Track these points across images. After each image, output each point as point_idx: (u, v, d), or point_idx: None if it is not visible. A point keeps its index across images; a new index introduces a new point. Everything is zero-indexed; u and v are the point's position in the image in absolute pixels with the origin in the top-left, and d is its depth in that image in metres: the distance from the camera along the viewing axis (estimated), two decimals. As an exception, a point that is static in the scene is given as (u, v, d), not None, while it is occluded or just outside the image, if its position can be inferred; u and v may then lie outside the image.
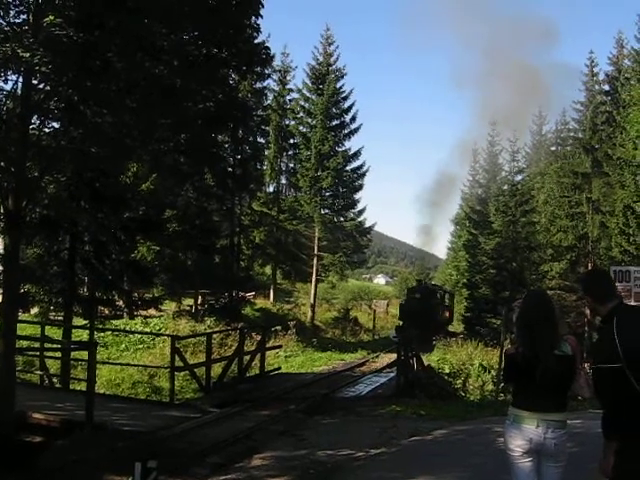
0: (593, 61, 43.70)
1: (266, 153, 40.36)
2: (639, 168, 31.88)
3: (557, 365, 4.26)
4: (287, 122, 42.95)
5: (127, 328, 24.10)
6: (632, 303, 4.35)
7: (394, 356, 20.33)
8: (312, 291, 40.87)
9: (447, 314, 43.61)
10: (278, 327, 28.53)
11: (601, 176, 38.34)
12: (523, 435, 4.32)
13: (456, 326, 47.38)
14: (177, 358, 14.21)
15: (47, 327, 16.42)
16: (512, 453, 4.40)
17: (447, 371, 20.39)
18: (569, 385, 4.36)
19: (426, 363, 19.54)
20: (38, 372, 15.45)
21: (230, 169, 33.50)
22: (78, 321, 18.98)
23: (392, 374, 18.52)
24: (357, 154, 41.55)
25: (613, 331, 3.86)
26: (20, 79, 9.47)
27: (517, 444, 4.35)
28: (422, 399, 14.85)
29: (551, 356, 4.26)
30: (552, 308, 4.55)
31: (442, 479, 7.50)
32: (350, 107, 41.76)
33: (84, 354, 12.65)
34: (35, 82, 9.54)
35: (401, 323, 35.86)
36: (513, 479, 4.48)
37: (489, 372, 19.54)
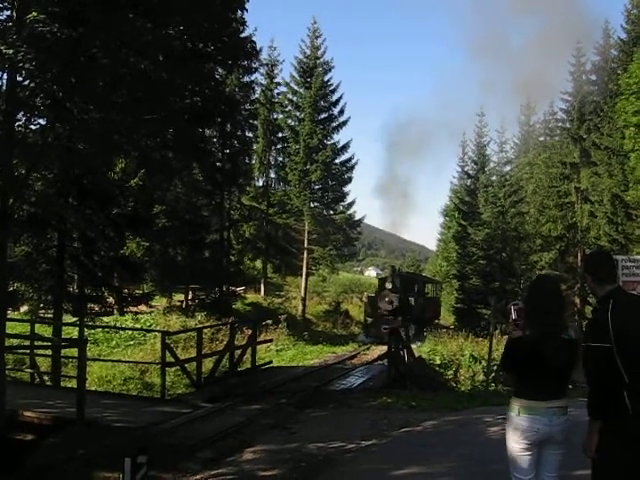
0: (580, 51, 43.80)
1: (255, 147, 40.30)
2: (627, 157, 32.04)
3: (564, 349, 4.26)
4: (275, 116, 42.87)
5: (117, 325, 24.05)
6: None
7: (385, 348, 20.41)
8: (303, 285, 40.89)
9: (430, 307, 38.37)
10: (269, 321, 28.55)
11: (589, 166, 38.56)
12: (531, 426, 4.28)
13: (447, 317, 47.55)
14: (168, 354, 14.19)
15: (37, 325, 16.32)
16: (517, 445, 4.36)
17: (438, 362, 20.50)
18: (571, 371, 4.36)
19: (417, 354, 19.63)
20: (28, 370, 15.41)
21: (219, 164, 33.50)
22: (68, 318, 18.93)
23: (383, 366, 18.57)
24: (346, 147, 41.56)
25: (607, 313, 3.93)
26: (4, 76, 9.43)
27: (524, 436, 4.31)
28: (413, 390, 14.91)
29: (559, 340, 4.28)
30: (562, 293, 4.62)
31: (432, 469, 7.54)
32: (338, 100, 41.82)
33: (74, 351, 12.62)
34: (20, 79, 9.48)
35: (369, 320, 31.46)
36: (513, 472, 4.44)
37: (480, 363, 19.63)
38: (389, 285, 29.79)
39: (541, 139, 58.41)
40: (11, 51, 8.12)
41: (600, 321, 4.01)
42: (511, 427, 4.42)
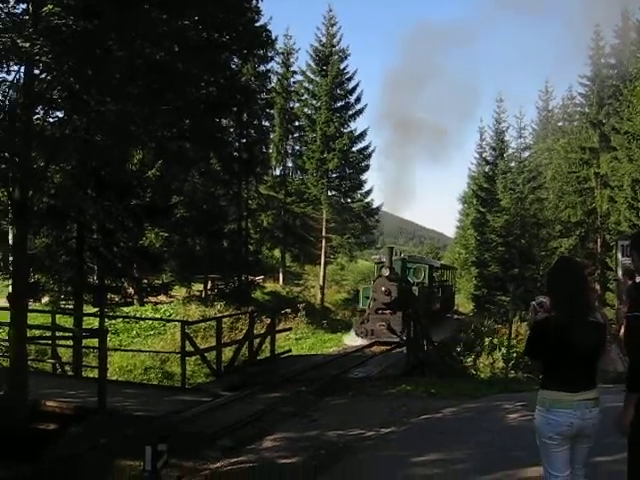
0: (599, 34, 43.25)
1: (271, 136, 40.29)
2: (647, 141, 31.69)
3: (593, 333, 4.11)
4: (292, 104, 42.77)
5: (137, 315, 24.23)
6: (639, 278, 4.42)
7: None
8: (321, 273, 40.87)
9: (441, 298, 32.09)
10: (288, 310, 28.60)
11: (609, 150, 38.10)
12: (564, 421, 4.06)
13: (466, 305, 47.39)
14: (188, 343, 14.27)
15: (58, 316, 16.46)
16: (549, 441, 4.13)
17: (457, 349, 20.48)
18: (600, 357, 4.20)
19: (436, 342, 19.61)
20: (50, 360, 15.56)
21: (236, 153, 33.49)
22: (88, 309, 19.08)
23: (402, 354, 18.56)
24: (363, 135, 41.44)
25: None
26: (22, 69, 9.49)
27: (557, 432, 4.08)
28: (432, 378, 14.91)
29: (587, 322, 4.11)
30: (586, 275, 4.47)
31: (451, 456, 7.55)
32: (354, 88, 41.61)
33: (95, 342, 12.71)
34: (37, 72, 9.55)
35: (362, 314, 24.59)
36: (547, 468, 4.22)
37: (499, 350, 19.58)
38: (386, 272, 23.63)
39: (560, 124, 57.94)
40: (28, 44, 8.18)
41: None
42: (542, 422, 4.16)
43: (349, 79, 41.54)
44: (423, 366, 16.41)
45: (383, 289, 23.33)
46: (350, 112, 41.46)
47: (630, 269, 8.85)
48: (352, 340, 24.08)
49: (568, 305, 4.11)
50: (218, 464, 8.19)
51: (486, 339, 21.07)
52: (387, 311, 22.89)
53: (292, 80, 42.75)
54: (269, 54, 33.78)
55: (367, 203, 42.27)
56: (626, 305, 5.07)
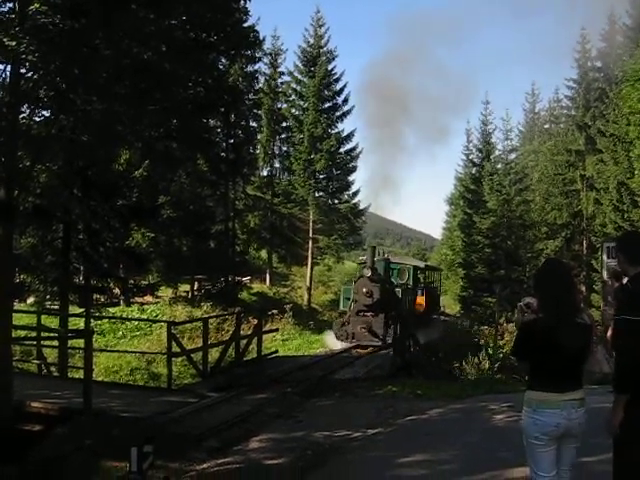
0: (585, 37, 43.53)
1: (259, 137, 40.29)
2: (632, 144, 31.86)
3: (580, 334, 4.13)
4: (279, 105, 42.81)
5: (123, 315, 24.15)
6: (625, 280, 4.48)
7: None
8: (308, 274, 40.89)
9: (423, 300, 29.38)
10: (275, 311, 28.58)
11: (595, 153, 38.34)
12: (551, 421, 4.08)
13: (452, 306, 47.54)
14: (174, 344, 14.22)
15: (43, 316, 16.36)
16: (536, 442, 4.14)
17: (444, 350, 20.52)
18: (586, 359, 4.24)
19: (423, 343, 19.65)
20: (35, 361, 15.47)
21: (223, 154, 33.48)
22: (74, 309, 19.01)
23: (389, 355, 18.57)
24: (350, 136, 41.50)
25: None
26: (8, 68, 9.44)
27: (544, 432, 4.10)
28: (419, 379, 14.94)
29: (574, 324, 4.12)
30: (573, 277, 4.52)
31: (438, 457, 7.58)
32: (342, 89, 41.70)
33: (81, 342, 12.66)
34: (23, 71, 9.50)
35: (343, 318, 23.20)
36: (534, 468, 4.24)
37: (485, 350, 19.63)
38: (367, 272, 22.17)
39: (546, 127, 58.27)
40: (14, 43, 8.14)
41: (636, 295, 4.04)
42: (529, 423, 4.18)
43: (337, 80, 41.64)
44: (410, 367, 16.43)
45: (364, 290, 22.00)
46: (337, 113, 41.55)
47: (617, 271, 8.91)
48: (334, 342, 23.21)
49: (555, 306, 4.12)
50: (204, 465, 8.17)
51: (472, 340, 21.15)
52: (369, 313, 21.74)
53: (280, 81, 42.84)
54: (257, 55, 33.72)
55: (354, 204, 42.31)
56: (612, 307, 5.11)
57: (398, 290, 25.14)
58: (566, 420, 4.09)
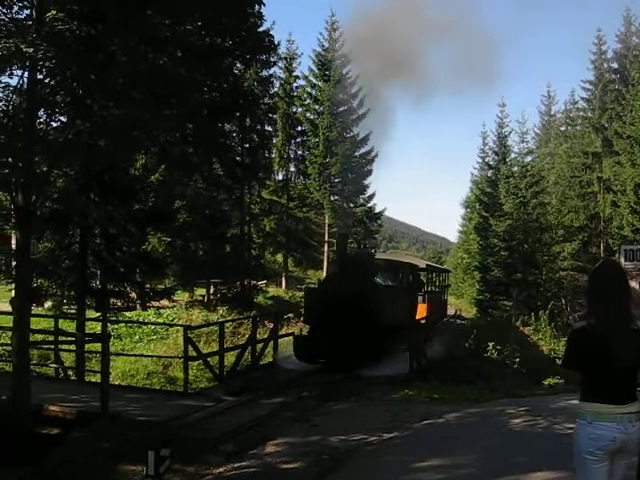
0: (601, 39, 43.30)
1: (274, 141, 40.35)
2: (649, 146, 31.67)
3: (635, 342, 3.88)
4: (294, 109, 42.89)
5: (140, 319, 24.24)
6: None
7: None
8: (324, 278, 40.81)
9: (413, 305, 22.37)
10: (290, 314, 28.54)
11: (611, 155, 38.06)
12: (607, 435, 3.84)
13: (469, 309, 47.33)
14: (190, 348, 14.26)
15: (61, 320, 16.45)
16: (590, 457, 3.88)
17: (461, 354, 20.39)
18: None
19: (439, 347, 19.54)
20: (53, 365, 15.57)
21: (238, 158, 33.52)
22: (91, 313, 19.06)
23: (405, 359, 18.46)
24: (365, 139, 41.51)
25: None
26: (25, 74, 9.50)
27: (599, 447, 3.85)
28: (435, 383, 14.88)
29: (628, 331, 3.90)
30: (628, 281, 4.24)
31: (454, 461, 7.53)
32: (357, 93, 41.65)
33: (98, 346, 12.74)
34: (40, 77, 9.56)
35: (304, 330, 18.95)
36: None
37: (503, 354, 19.49)
38: (334, 269, 17.23)
39: (562, 129, 57.86)
40: (31, 49, 8.18)
41: None
42: (583, 437, 3.93)
43: (351, 84, 41.61)
44: (426, 371, 16.36)
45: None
46: (352, 117, 41.52)
47: None
48: None
49: (605, 312, 3.93)
50: (221, 469, 8.18)
51: (490, 344, 20.97)
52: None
53: (295, 85, 42.98)
54: (272, 59, 33.81)
55: (370, 208, 42.31)
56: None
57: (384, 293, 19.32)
58: (623, 434, 3.86)
